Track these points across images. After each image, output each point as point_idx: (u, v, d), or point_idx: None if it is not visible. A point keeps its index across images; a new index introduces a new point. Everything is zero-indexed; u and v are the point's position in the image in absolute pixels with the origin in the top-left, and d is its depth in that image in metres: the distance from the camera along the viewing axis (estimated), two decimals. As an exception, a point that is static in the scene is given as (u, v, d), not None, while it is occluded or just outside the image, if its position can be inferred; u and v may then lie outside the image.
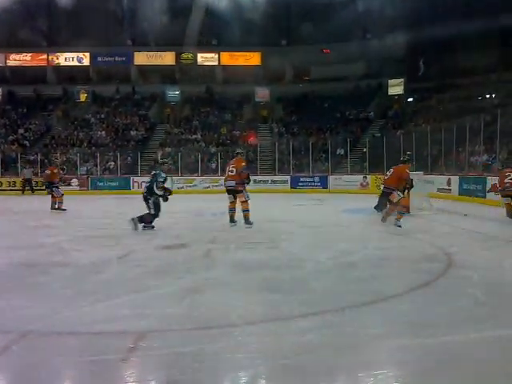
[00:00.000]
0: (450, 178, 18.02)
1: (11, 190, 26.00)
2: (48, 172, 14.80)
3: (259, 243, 8.29)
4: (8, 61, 38.10)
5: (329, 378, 3.06)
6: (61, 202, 14.19)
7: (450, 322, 4.01)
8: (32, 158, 29.33)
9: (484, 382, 2.98)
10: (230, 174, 10.56)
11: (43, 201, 18.37)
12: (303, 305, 4.56)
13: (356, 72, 35.76)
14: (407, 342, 3.61)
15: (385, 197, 10.81)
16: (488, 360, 3.29)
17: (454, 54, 30.75)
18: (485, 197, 15.31)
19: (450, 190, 17.75)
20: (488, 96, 28.62)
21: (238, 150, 12.34)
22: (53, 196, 14.24)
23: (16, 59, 38.21)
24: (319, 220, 11.80)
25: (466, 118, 19.38)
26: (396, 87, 35.59)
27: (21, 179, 25.77)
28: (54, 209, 14.06)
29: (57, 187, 14.28)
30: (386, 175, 10.96)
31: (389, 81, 35.58)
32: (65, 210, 14.02)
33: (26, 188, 25.30)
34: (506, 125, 17.15)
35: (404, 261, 6.66)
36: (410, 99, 34.77)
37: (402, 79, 35.00)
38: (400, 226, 9.69)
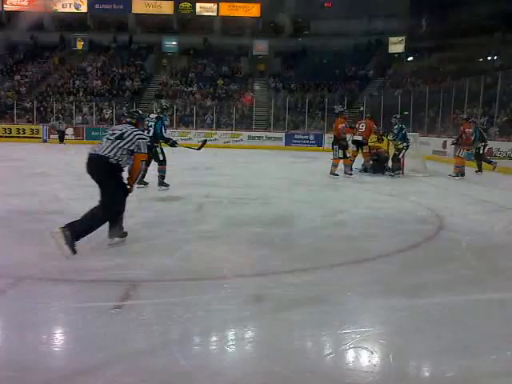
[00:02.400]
0: (445, 141, 17.97)
1: (6, 137, 25.83)
2: None
3: (251, 199, 8.34)
4: (5, 5, 37.16)
5: (316, 332, 3.13)
6: None
7: (438, 284, 4.08)
8: (28, 105, 29.02)
9: (469, 343, 3.07)
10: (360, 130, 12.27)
11: (36, 148, 18.32)
12: (292, 261, 4.64)
13: (356, 28, 35.13)
14: (394, 302, 3.70)
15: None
16: (474, 322, 3.38)
17: (456, 13, 30.18)
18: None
19: (446, 152, 17.74)
20: (490, 58, 28.25)
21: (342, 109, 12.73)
22: None
23: (13, 3, 37.27)
24: (312, 178, 11.83)
25: (466, 80, 19.19)
26: (396, 45, 35.05)
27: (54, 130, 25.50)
28: None
29: None
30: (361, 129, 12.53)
31: (389, 38, 35.01)
32: None
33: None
34: (506, 88, 17.01)
35: (395, 221, 6.72)
36: (410, 58, 34.30)
37: (403, 37, 34.44)
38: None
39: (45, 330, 3.12)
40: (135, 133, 4.92)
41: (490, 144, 14.25)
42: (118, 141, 4.82)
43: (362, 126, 12.73)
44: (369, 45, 35.51)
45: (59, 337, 3.09)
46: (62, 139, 24.38)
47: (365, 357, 2.84)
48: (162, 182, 8.93)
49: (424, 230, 6.23)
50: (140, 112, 5.47)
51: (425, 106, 21.10)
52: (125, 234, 5.11)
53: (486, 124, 18.25)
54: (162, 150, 9.01)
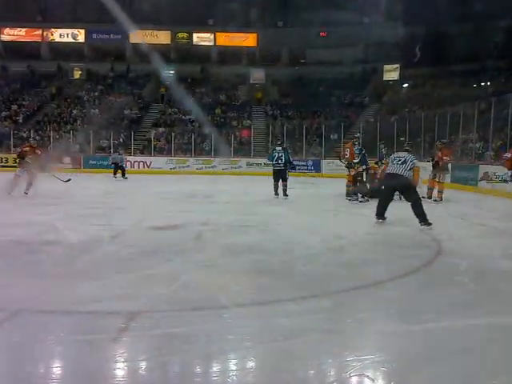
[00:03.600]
0: (442, 166, 18.04)
1: (3, 166, 25.84)
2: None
3: (250, 226, 8.33)
4: (2, 35, 37.60)
5: (316, 362, 3.10)
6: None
7: (437, 309, 4.05)
8: (24, 134, 29.13)
9: (469, 368, 3.04)
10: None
11: (41, 177, 18.30)
12: (292, 288, 4.60)
13: (352, 56, 35.65)
14: (395, 328, 3.67)
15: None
16: (474, 347, 3.35)
17: (450, 41, 30.68)
18: (476, 185, 15.40)
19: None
20: (483, 84, 28.60)
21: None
22: None
23: (10, 34, 37.71)
24: (310, 204, 11.83)
25: (461, 106, 19.39)
26: (391, 72, 35.55)
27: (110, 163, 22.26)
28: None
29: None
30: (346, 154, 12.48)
31: (384, 66, 35.50)
32: None
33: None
34: (500, 113, 17.18)
35: (393, 246, 6.72)
36: (405, 85, 34.71)
37: (398, 65, 34.93)
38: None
39: (41, 365, 3.07)
40: (412, 158, 8.09)
41: (486, 168, 14.32)
42: (404, 165, 7.96)
43: (346, 151, 12.79)
44: (364, 72, 35.98)
45: (56, 371, 3.03)
46: (115, 171, 21.16)
47: (367, 385, 2.81)
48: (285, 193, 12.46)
49: (422, 254, 6.21)
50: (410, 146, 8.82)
51: (421, 132, 21.27)
52: (430, 223, 7.77)
53: (481, 149, 18.41)
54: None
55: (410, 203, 8.12)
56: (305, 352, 3.22)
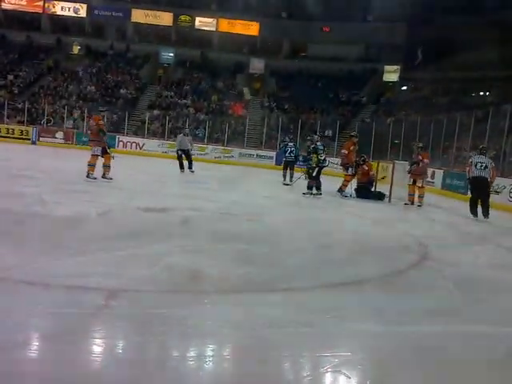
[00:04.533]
0: (434, 171, 18.13)
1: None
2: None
3: (238, 215, 8.32)
4: (2, 3, 37.00)
5: (293, 353, 3.10)
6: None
7: (417, 313, 4.06)
8: (19, 105, 28.86)
9: (448, 373, 3.05)
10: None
11: (25, 150, 18.20)
12: (274, 280, 4.61)
13: (353, 54, 35.59)
14: (374, 327, 3.66)
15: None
16: (453, 352, 3.36)
17: (453, 48, 30.70)
18: (466, 193, 15.45)
19: (434, 182, 17.88)
20: (482, 93, 28.69)
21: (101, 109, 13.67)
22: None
23: (11, 2, 37.10)
24: (300, 199, 11.84)
25: (458, 113, 19.42)
26: (391, 74, 35.52)
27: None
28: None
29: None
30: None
31: (385, 67, 35.47)
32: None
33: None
34: (496, 124, 17.23)
35: (379, 248, 6.73)
36: (404, 87, 34.73)
37: (398, 66, 34.91)
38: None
39: (17, 333, 3.03)
40: (490, 162, 10.40)
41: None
42: (486, 169, 10.22)
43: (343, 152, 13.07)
44: (364, 71, 35.92)
45: (32, 341, 3.01)
46: (182, 165, 15.69)
47: (342, 381, 2.81)
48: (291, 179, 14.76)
49: (408, 258, 6.23)
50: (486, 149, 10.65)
51: (416, 136, 21.29)
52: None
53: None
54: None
55: (480, 199, 10.37)
56: (281, 343, 3.22)
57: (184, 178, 13.62)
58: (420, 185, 12.26)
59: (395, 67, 35.12)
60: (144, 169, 16.56)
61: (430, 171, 18.36)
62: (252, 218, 8.25)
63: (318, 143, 12.44)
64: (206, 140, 27.63)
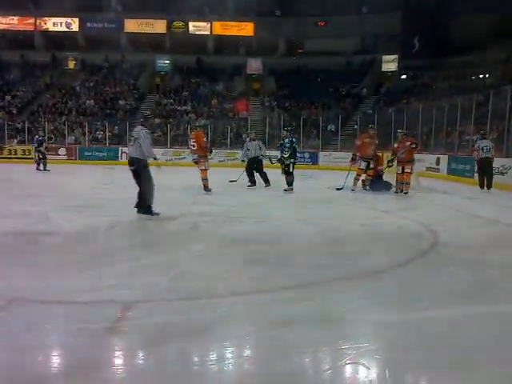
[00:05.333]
0: (439, 157, 18.09)
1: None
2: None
3: (247, 217, 8.31)
4: (-6, 24, 37.11)
5: (313, 349, 3.11)
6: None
7: (432, 299, 4.06)
8: (19, 125, 28.94)
9: (464, 356, 3.05)
10: (192, 148, 11.88)
11: (28, 169, 18.26)
12: (289, 278, 4.61)
13: (350, 46, 35.48)
14: (389, 317, 3.67)
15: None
16: (468, 336, 3.36)
17: (448, 33, 30.61)
18: (472, 176, 15.40)
19: (439, 169, 17.83)
20: (481, 76, 28.54)
21: (197, 123, 12.91)
22: None
23: (2, 22, 37.13)
24: (307, 195, 11.82)
25: (458, 98, 19.35)
26: (389, 63, 35.42)
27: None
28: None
29: None
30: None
31: (383, 57, 35.37)
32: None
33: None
34: (497, 106, 17.16)
35: (390, 238, 6.73)
36: (403, 76, 34.62)
37: (396, 56, 34.80)
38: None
39: (36, 353, 3.05)
40: (493, 145, 11.94)
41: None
42: (490, 151, 12.28)
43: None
44: (362, 63, 35.83)
45: (51, 360, 3.02)
46: (252, 177, 13.38)
47: (361, 372, 2.83)
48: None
49: (418, 245, 6.22)
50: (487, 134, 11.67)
51: (418, 124, 21.23)
52: None
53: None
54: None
55: (486, 175, 12.67)
56: (301, 340, 3.23)
57: (189, 184, 13.62)
58: (409, 171, 11.83)
59: (393, 57, 35.01)
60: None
61: (434, 157, 18.39)
62: (261, 218, 8.25)
63: (286, 140, 12.33)
64: (209, 144, 27.58)
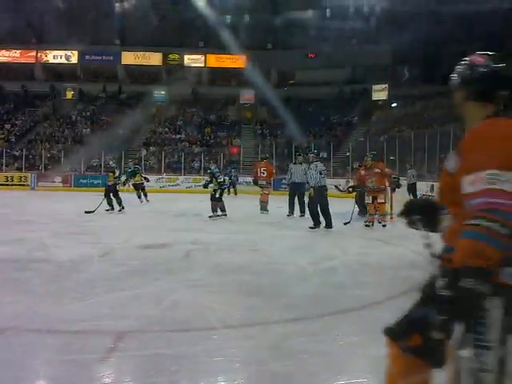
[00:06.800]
0: (433, 185, 18.17)
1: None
2: None
3: (239, 245, 8.30)
4: (-3, 56, 37.75)
5: (307, 384, 3.07)
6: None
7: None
8: (17, 153, 29.16)
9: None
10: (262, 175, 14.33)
11: (24, 196, 18.25)
12: (282, 310, 4.56)
13: (341, 77, 36.00)
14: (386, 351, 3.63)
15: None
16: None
17: (438, 62, 31.09)
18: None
19: (434, 196, 17.90)
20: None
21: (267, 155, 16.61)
22: None
23: (5, 55, 37.98)
24: (299, 224, 11.82)
25: (451, 126, 19.56)
26: (380, 92, 35.87)
27: None
28: None
29: None
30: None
31: (373, 86, 35.83)
32: None
33: None
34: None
35: (384, 267, 6.69)
36: (394, 104, 35.04)
37: (386, 85, 35.28)
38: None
39: (28, 383, 3.02)
40: None
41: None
42: None
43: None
44: (353, 92, 36.31)
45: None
46: (292, 207, 13.19)
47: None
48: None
49: (413, 275, 6.17)
50: None
51: (410, 151, 21.39)
52: None
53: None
54: None
55: None
56: (295, 375, 3.18)
57: (182, 211, 13.62)
58: (382, 200, 11.01)
59: (383, 86, 35.49)
60: (140, 205, 16.46)
61: (428, 185, 18.49)
62: (254, 247, 8.23)
63: (213, 167, 12.78)
64: (202, 172, 27.74)
